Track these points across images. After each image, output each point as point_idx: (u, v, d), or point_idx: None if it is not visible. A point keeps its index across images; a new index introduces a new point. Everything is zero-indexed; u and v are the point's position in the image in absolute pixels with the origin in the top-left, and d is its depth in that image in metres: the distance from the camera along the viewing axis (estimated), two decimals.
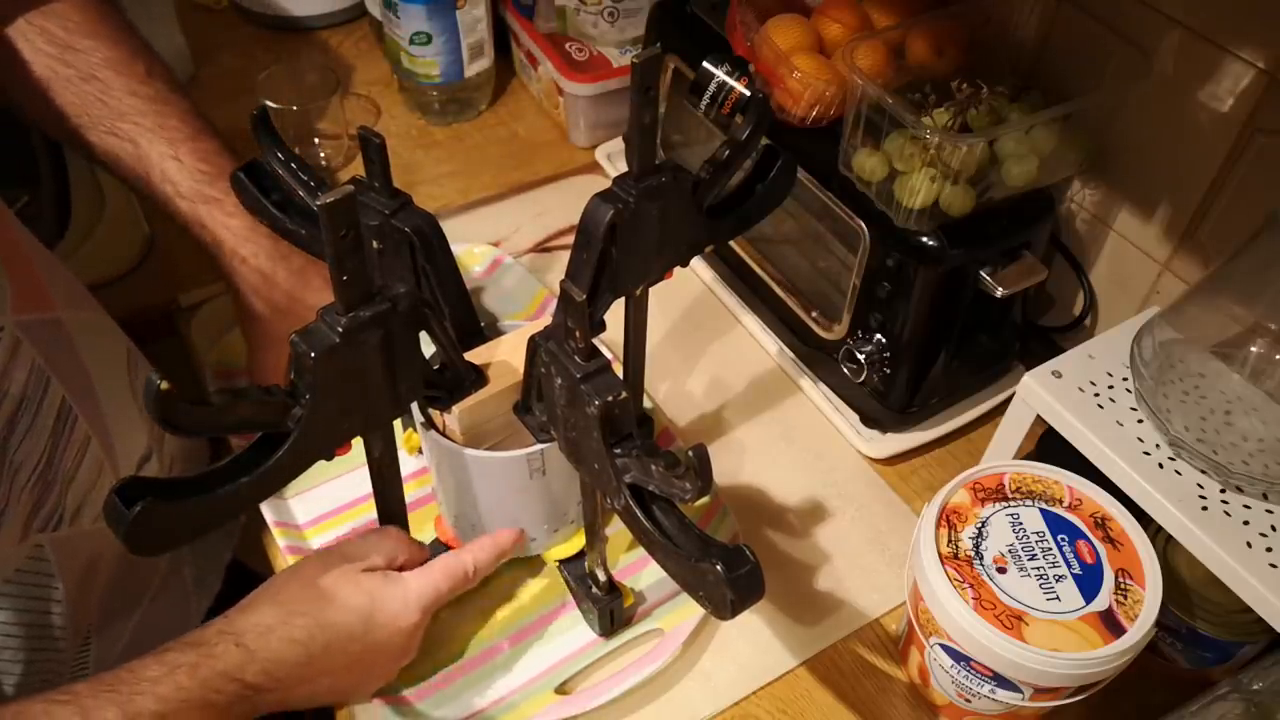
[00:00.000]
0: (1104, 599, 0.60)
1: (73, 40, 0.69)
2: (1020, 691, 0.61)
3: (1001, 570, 0.61)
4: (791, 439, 0.84)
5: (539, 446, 0.62)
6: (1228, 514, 0.60)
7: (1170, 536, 0.62)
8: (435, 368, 0.61)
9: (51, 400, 0.59)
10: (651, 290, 0.66)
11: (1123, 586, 0.61)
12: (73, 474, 0.61)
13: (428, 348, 0.58)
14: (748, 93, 0.78)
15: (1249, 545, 0.59)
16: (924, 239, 0.71)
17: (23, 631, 0.59)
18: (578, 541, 0.70)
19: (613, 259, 0.59)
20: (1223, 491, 0.61)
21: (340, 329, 0.51)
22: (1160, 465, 0.63)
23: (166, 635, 0.57)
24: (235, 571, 0.83)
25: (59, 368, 0.60)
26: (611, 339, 0.67)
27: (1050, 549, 0.62)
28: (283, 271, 0.71)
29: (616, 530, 0.73)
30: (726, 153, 0.61)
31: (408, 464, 0.71)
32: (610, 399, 0.51)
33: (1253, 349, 0.62)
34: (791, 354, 0.89)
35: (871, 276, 0.76)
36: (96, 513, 0.63)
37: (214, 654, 0.52)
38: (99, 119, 0.69)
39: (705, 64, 0.80)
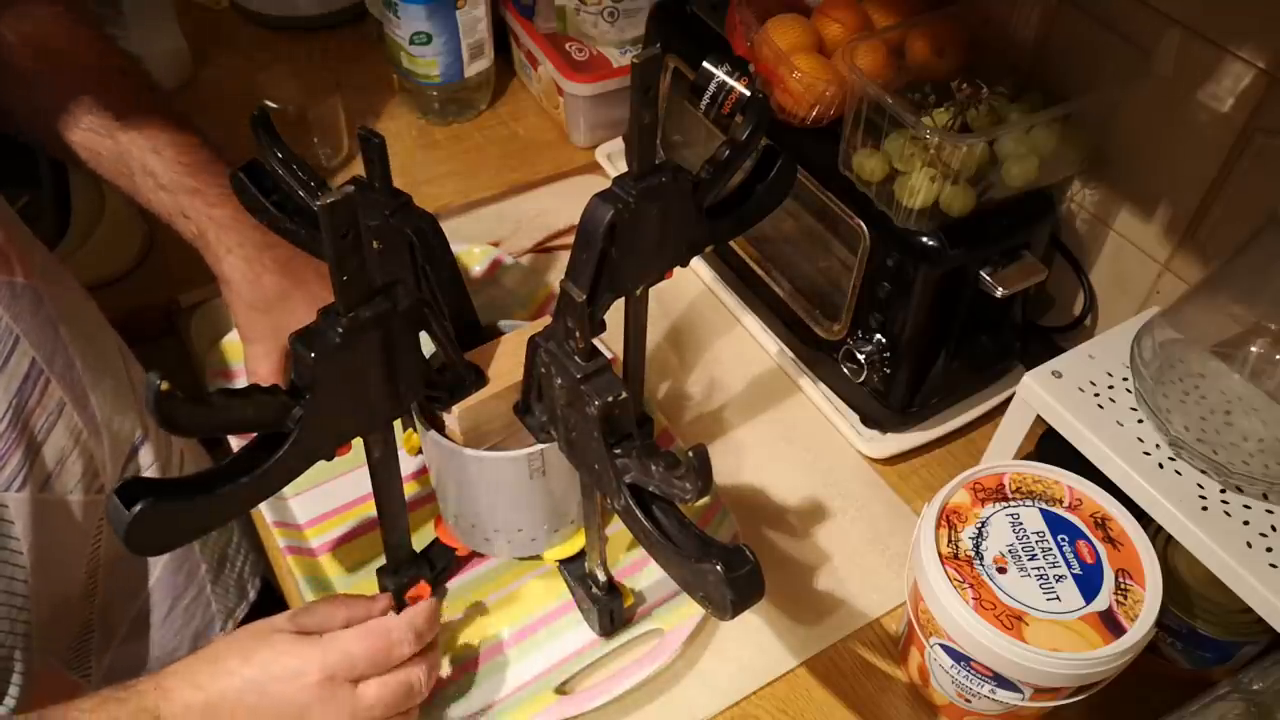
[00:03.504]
0: (1104, 599, 0.60)
1: (48, 41, 0.70)
2: (1020, 691, 0.61)
3: (1001, 570, 0.61)
4: (791, 439, 0.84)
5: (539, 446, 0.62)
6: (1228, 514, 0.60)
7: (1170, 536, 0.62)
8: (435, 368, 0.60)
9: (19, 359, 0.59)
10: (651, 290, 0.66)
11: (1123, 586, 0.61)
12: (43, 438, 0.61)
13: (428, 348, 0.58)
14: (748, 93, 0.78)
15: (1249, 545, 0.59)
16: (924, 239, 0.71)
17: None
18: (578, 541, 0.70)
19: (613, 259, 0.59)
20: (1223, 491, 0.61)
21: (340, 329, 0.50)
22: (1160, 465, 0.63)
23: (178, 629, 0.57)
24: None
25: (28, 329, 0.60)
26: (611, 339, 0.67)
27: (1050, 549, 0.62)
28: (269, 261, 0.70)
29: (616, 530, 0.72)
30: (726, 153, 0.61)
31: (408, 464, 0.71)
32: (610, 399, 0.51)
33: (1253, 349, 0.62)
34: (791, 354, 0.89)
35: (871, 276, 0.76)
36: (73, 483, 0.63)
37: (139, 691, 0.55)
38: (77, 117, 0.69)
39: (705, 64, 0.80)
